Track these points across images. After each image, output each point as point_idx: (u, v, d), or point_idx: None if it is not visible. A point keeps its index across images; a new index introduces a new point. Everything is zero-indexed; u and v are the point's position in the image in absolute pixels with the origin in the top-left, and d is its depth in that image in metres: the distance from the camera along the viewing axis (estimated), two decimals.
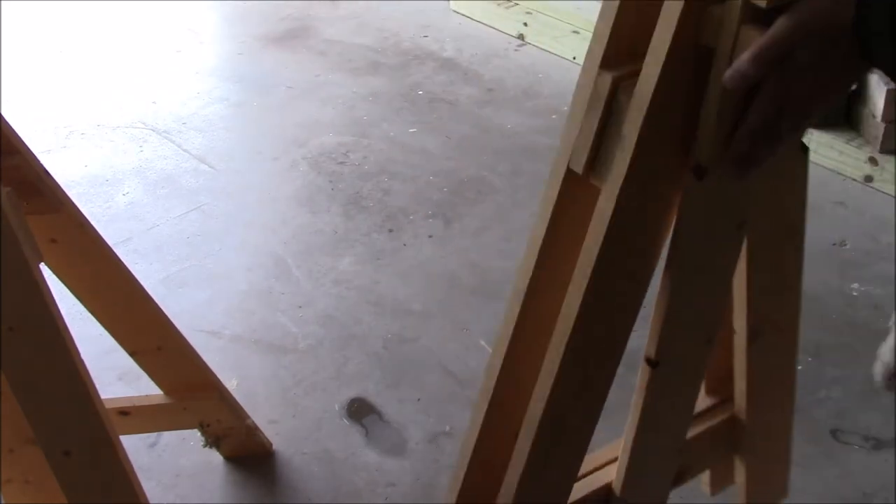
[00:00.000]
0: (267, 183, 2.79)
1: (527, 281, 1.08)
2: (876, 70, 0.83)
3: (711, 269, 1.00)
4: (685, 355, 1.06)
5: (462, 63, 3.39)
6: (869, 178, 2.71)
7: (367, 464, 1.92)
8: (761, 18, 0.81)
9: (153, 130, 3.03)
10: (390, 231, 2.57)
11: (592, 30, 0.91)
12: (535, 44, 3.48)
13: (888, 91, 2.60)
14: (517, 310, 1.09)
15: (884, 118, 2.65)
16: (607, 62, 0.89)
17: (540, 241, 1.04)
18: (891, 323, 1.37)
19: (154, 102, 3.17)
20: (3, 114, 1.24)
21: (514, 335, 1.10)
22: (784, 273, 1.12)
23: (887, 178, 2.67)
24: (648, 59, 0.85)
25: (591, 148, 0.92)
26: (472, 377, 2.11)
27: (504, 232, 2.57)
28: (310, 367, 2.15)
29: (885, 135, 2.67)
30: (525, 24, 3.51)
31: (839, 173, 2.72)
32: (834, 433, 1.98)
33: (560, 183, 0.99)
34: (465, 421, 2.00)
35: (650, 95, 0.85)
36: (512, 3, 3.58)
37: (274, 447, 1.95)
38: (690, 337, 1.05)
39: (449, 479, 1.30)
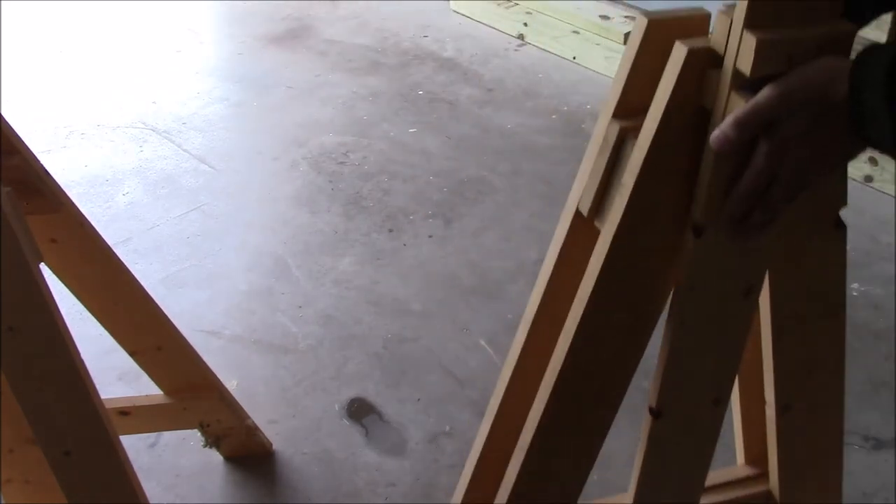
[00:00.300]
0: (267, 183, 2.79)
1: (533, 312, 1.13)
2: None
3: (717, 332, 0.99)
4: (690, 411, 1.05)
5: (462, 63, 3.39)
6: (869, 178, 2.71)
7: (367, 464, 1.93)
8: (753, 85, 0.83)
9: (153, 130, 3.03)
10: (390, 231, 2.57)
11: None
12: (535, 44, 3.48)
13: None
14: (523, 339, 1.14)
15: None
16: (618, 112, 0.94)
17: (547, 278, 1.09)
18: None
19: (154, 102, 3.17)
20: (3, 114, 1.24)
21: (517, 364, 1.15)
22: (819, 352, 1.09)
23: (887, 178, 2.67)
24: (650, 113, 0.89)
25: (597, 192, 0.97)
26: (472, 377, 2.11)
27: (504, 232, 2.57)
28: (310, 367, 2.15)
29: None
30: (525, 24, 3.51)
31: None
32: None
33: (569, 223, 1.04)
34: (465, 421, 2.00)
35: (647, 147, 0.88)
36: (512, 3, 3.58)
37: (274, 447, 1.95)
38: (695, 394, 1.04)
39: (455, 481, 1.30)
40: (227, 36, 3.66)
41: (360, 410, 2.05)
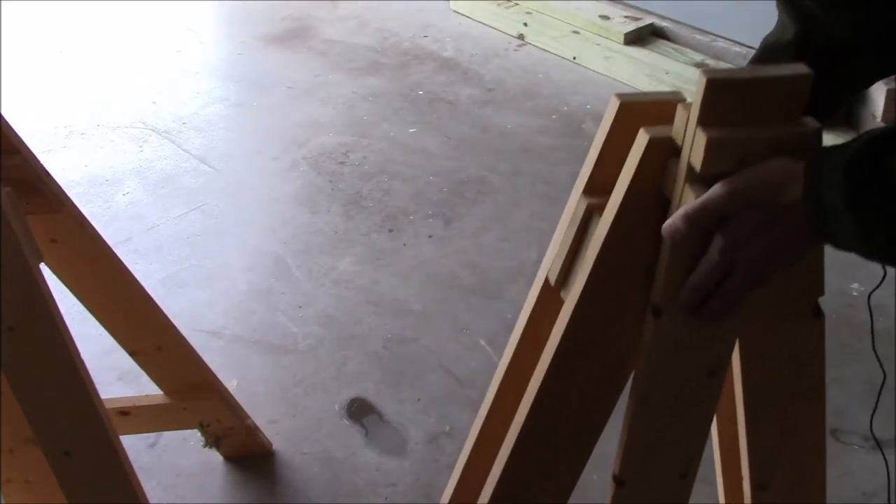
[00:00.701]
0: (267, 183, 2.79)
1: (501, 375, 1.16)
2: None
3: (679, 410, 0.98)
4: (655, 483, 1.04)
5: (462, 63, 3.39)
6: None
7: (367, 464, 1.93)
8: (707, 179, 0.83)
9: (153, 130, 3.03)
10: (390, 231, 2.57)
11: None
12: (535, 44, 3.48)
13: (888, 91, 2.60)
14: (493, 394, 1.18)
15: (884, 118, 2.65)
16: (588, 188, 0.96)
17: (516, 343, 1.13)
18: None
19: (154, 102, 3.17)
20: (3, 114, 1.24)
21: (484, 422, 1.19)
22: (797, 434, 1.08)
23: None
24: (613, 195, 0.90)
25: (564, 263, 0.98)
26: (471, 377, 2.11)
27: (504, 232, 2.57)
28: (310, 367, 2.15)
29: None
30: (525, 24, 3.51)
31: None
32: (834, 433, 1.98)
33: (539, 291, 1.07)
34: (465, 421, 2.00)
35: (608, 228, 0.89)
36: (512, 3, 3.58)
37: (274, 447, 1.95)
38: (659, 467, 1.03)
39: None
40: (227, 36, 3.66)
41: (360, 410, 2.05)
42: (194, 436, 1.86)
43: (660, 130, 0.86)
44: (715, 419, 1.24)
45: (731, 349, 0.95)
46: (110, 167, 2.85)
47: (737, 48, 3.20)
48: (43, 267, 1.23)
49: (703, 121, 0.81)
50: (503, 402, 1.16)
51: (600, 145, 0.93)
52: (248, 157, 2.91)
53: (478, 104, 3.15)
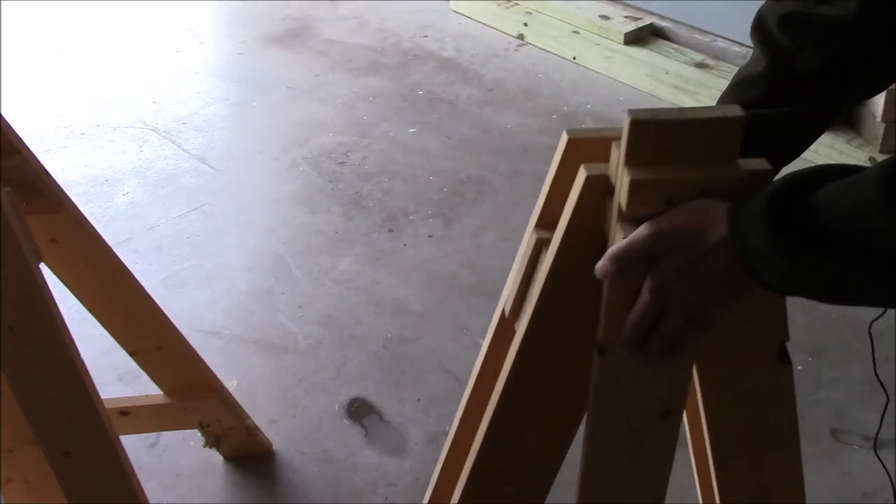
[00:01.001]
0: (267, 183, 2.79)
1: (463, 409, 1.19)
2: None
3: (634, 451, 0.97)
4: None
5: (462, 63, 3.39)
6: None
7: (367, 464, 1.93)
8: (638, 218, 0.83)
9: (153, 130, 3.03)
10: (390, 231, 2.57)
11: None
12: (535, 44, 3.48)
13: (888, 91, 2.60)
14: (457, 422, 1.21)
15: (884, 118, 2.65)
16: (540, 222, 0.96)
17: (476, 374, 1.14)
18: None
19: (154, 102, 3.17)
20: (3, 114, 1.24)
21: (449, 450, 1.24)
22: (771, 480, 1.06)
23: None
24: (556, 230, 0.90)
25: (517, 295, 0.99)
26: None
27: (504, 232, 2.57)
28: (310, 367, 2.15)
29: (885, 135, 2.66)
30: (525, 24, 3.51)
31: None
32: (834, 433, 1.98)
33: (496, 322, 1.09)
34: None
35: (551, 263, 0.90)
36: (512, 3, 3.58)
37: (274, 447, 1.95)
38: None
39: None
40: (227, 36, 3.66)
41: (360, 410, 2.05)
42: (194, 436, 1.86)
43: (598, 168, 0.86)
44: (694, 461, 1.24)
45: (684, 391, 0.93)
46: (110, 167, 2.85)
47: (737, 48, 3.20)
48: (43, 267, 1.24)
49: (629, 161, 0.81)
50: (466, 433, 1.16)
51: (550, 180, 0.94)
52: (248, 157, 2.91)
53: (478, 104, 3.15)
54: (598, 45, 3.31)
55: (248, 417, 1.86)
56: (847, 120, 2.77)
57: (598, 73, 3.29)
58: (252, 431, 1.87)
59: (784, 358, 0.96)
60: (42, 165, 1.32)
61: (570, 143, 0.90)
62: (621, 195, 0.82)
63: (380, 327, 2.26)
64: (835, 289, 0.77)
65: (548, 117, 3.07)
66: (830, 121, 1.02)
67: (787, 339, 0.95)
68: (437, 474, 1.25)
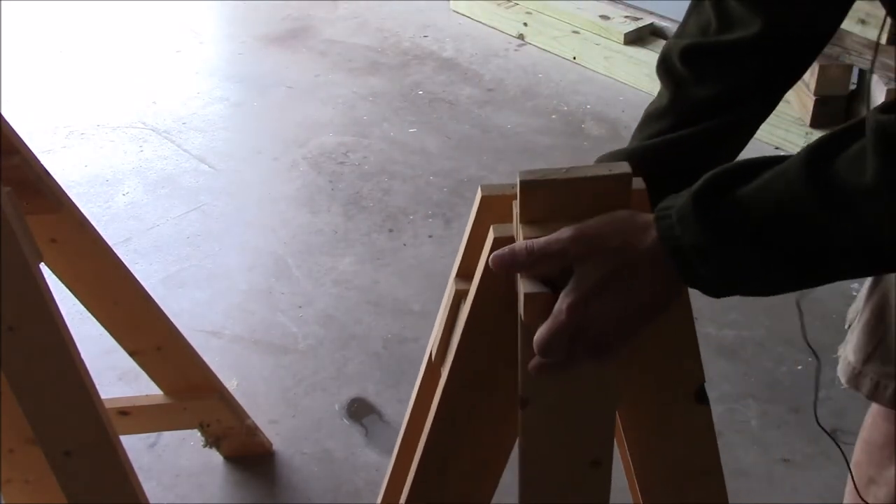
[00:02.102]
0: (267, 183, 2.79)
1: (397, 449, 1.21)
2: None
3: (570, 499, 0.96)
4: None
5: (462, 63, 3.39)
6: None
7: (367, 464, 1.92)
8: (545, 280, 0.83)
9: (153, 130, 3.03)
10: (390, 231, 2.57)
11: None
12: (535, 44, 3.48)
13: (888, 91, 2.60)
14: (392, 464, 1.25)
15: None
16: (460, 273, 0.97)
17: (406, 421, 1.16)
18: (847, 325, 1.34)
19: (154, 102, 3.17)
20: (3, 114, 1.24)
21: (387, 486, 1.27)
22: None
23: None
24: (472, 285, 0.91)
25: (441, 342, 0.99)
26: None
27: None
28: (310, 367, 2.15)
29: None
30: (525, 24, 3.51)
31: None
32: (834, 433, 1.98)
33: (425, 367, 1.10)
34: None
35: (466, 317, 0.91)
36: (512, 3, 3.58)
37: (274, 447, 1.95)
38: None
39: None
40: (227, 36, 3.66)
41: (360, 410, 2.05)
42: (194, 436, 1.86)
43: (506, 229, 0.86)
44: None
45: (609, 440, 0.93)
46: (110, 167, 2.85)
47: None
48: (43, 267, 1.24)
49: (523, 219, 0.82)
50: (401, 472, 1.18)
51: (468, 233, 0.94)
52: (248, 157, 2.91)
53: (478, 104, 3.15)
54: (598, 45, 3.31)
55: (248, 417, 1.86)
56: (847, 120, 2.77)
57: (598, 73, 3.29)
58: (252, 431, 1.87)
59: (701, 399, 0.95)
60: (42, 165, 1.32)
61: (484, 201, 0.91)
62: None
63: (380, 327, 2.26)
64: (773, 277, 0.77)
65: (548, 117, 3.07)
66: (750, 132, 1.03)
67: (703, 379, 0.95)
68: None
